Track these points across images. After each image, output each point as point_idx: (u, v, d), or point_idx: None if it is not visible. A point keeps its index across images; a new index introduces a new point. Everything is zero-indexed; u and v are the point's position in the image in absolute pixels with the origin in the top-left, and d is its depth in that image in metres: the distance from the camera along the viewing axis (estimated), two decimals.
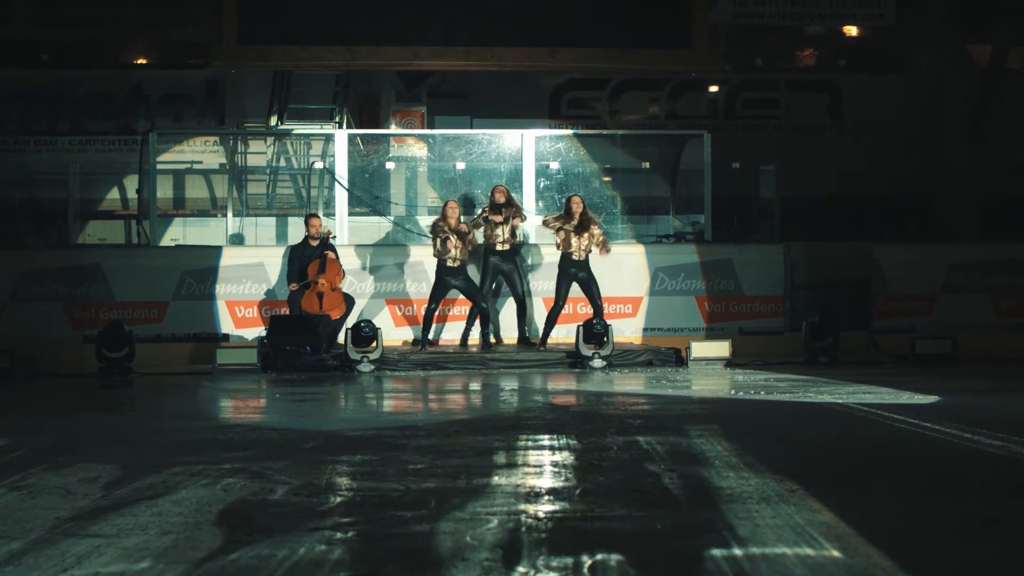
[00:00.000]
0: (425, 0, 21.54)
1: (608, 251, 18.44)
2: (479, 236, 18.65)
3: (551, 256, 19.00)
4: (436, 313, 18.70)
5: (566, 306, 18.97)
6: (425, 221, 22.27)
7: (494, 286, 19.00)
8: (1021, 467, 8.75)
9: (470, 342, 19.05)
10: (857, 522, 6.68)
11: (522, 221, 18.91)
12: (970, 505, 7.34)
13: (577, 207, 18.33)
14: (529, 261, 19.66)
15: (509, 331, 19.22)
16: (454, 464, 8.76)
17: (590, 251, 18.35)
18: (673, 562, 5.98)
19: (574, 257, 18.27)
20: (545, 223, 18.50)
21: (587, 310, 18.84)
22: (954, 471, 8.49)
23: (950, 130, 26.15)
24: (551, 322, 18.61)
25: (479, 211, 19.15)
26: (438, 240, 18.14)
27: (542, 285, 19.47)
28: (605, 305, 18.89)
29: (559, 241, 18.29)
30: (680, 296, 20.27)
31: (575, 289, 18.51)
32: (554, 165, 22.48)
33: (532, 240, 20.17)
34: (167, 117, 24.90)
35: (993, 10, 25.11)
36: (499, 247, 18.61)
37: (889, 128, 26.31)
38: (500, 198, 18.62)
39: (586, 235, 18.26)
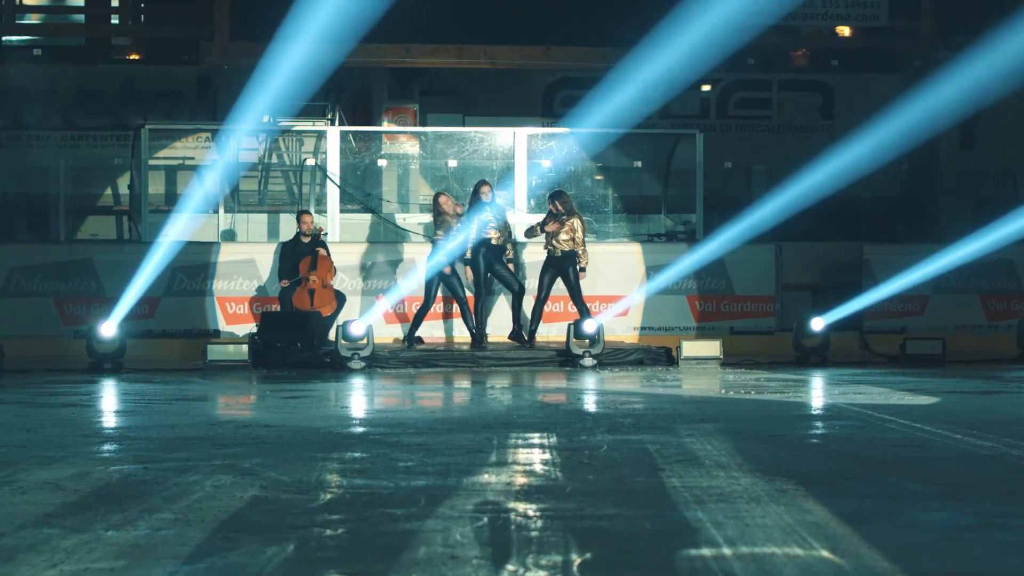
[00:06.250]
0: None
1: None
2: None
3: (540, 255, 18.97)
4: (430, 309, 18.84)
5: (555, 304, 19.05)
6: (417, 219, 22.24)
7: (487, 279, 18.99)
8: (1012, 467, 8.77)
9: (457, 339, 19.16)
10: (847, 522, 6.68)
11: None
12: (961, 506, 7.34)
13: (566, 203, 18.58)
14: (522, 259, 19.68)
15: (501, 329, 19.20)
16: (444, 462, 8.76)
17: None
18: (662, 561, 5.98)
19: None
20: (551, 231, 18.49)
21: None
22: (945, 471, 8.50)
23: (943, 132, 26.11)
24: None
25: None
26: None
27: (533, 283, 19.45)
28: (596, 304, 18.95)
29: (568, 238, 18.38)
30: (671, 295, 20.27)
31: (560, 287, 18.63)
32: (546, 163, 22.45)
33: (520, 238, 20.17)
34: (159, 113, 24.85)
35: (986, 11, 25.10)
36: (494, 242, 18.60)
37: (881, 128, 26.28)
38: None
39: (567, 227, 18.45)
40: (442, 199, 18.74)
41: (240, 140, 22.55)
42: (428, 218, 21.38)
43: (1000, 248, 20.66)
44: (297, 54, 20.24)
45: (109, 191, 24.83)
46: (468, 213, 18.71)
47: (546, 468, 8.60)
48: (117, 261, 19.48)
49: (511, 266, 18.97)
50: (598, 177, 23.65)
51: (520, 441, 9.99)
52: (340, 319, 18.18)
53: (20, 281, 19.29)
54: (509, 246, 18.91)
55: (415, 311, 18.99)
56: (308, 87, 23.49)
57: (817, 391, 14.60)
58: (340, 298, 18.89)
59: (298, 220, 19.11)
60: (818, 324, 18.62)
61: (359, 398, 14.26)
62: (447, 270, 18.35)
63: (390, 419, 11.93)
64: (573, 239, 18.38)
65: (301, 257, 18.65)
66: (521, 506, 7.21)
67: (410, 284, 19.36)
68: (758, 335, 20.23)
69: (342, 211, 21.56)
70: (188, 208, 20.73)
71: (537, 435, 10.31)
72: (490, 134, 22.43)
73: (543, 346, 18.61)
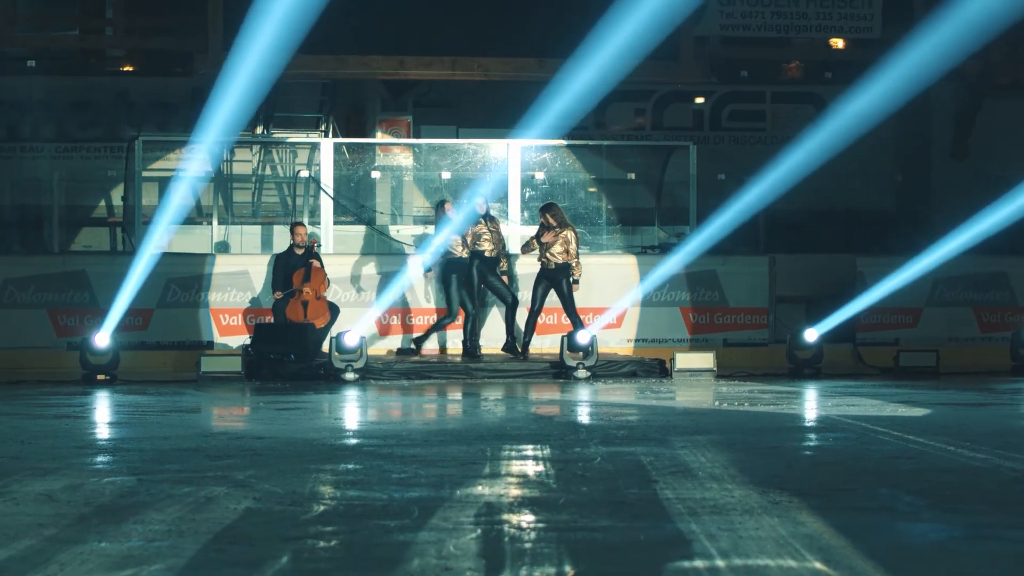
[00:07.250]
0: (412, 9, 21.54)
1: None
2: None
3: (533, 267, 18.99)
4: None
5: (549, 316, 19.08)
6: (410, 230, 22.23)
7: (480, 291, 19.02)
8: (1004, 480, 8.78)
9: (451, 350, 19.17)
10: (841, 534, 6.69)
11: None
12: (954, 517, 7.35)
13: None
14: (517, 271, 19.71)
15: (494, 341, 19.19)
16: (438, 474, 8.76)
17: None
18: (655, 573, 5.98)
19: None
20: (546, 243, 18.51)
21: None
22: (938, 483, 8.51)
23: (936, 143, 26.17)
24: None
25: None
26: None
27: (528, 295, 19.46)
28: (590, 316, 18.98)
29: (561, 250, 18.41)
30: (665, 307, 20.27)
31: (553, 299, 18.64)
32: (540, 175, 22.45)
33: (514, 250, 20.18)
34: (153, 125, 24.84)
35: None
36: (487, 254, 18.62)
37: (874, 140, 26.32)
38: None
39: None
40: (447, 205, 18.88)
41: (231, 151, 22.56)
42: (422, 229, 21.44)
43: (994, 260, 20.70)
44: (291, 66, 20.24)
45: (103, 202, 24.82)
46: (461, 225, 18.70)
47: (540, 480, 8.60)
48: (110, 272, 19.44)
49: (505, 278, 18.99)
50: (592, 189, 23.66)
51: (514, 453, 9.99)
52: (334, 331, 18.17)
53: (13, 292, 19.27)
54: (503, 258, 18.93)
55: (429, 319, 19.16)
56: (302, 99, 23.53)
57: (811, 403, 14.60)
58: (334, 310, 18.88)
59: (292, 232, 19.11)
60: (812, 336, 18.62)
61: (352, 410, 14.25)
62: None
63: (383, 431, 11.93)
64: (567, 251, 18.39)
65: (295, 269, 18.64)
66: (515, 518, 7.21)
67: (398, 295, 19.38)
68: (752, 347, 20.22)
69: (336, 223, 21.54)
70: (179, 219, 20.69)
71: (531, 447, 10.31)
72: (483, 146, 22.44)
73: (536, 358, 18.60)
